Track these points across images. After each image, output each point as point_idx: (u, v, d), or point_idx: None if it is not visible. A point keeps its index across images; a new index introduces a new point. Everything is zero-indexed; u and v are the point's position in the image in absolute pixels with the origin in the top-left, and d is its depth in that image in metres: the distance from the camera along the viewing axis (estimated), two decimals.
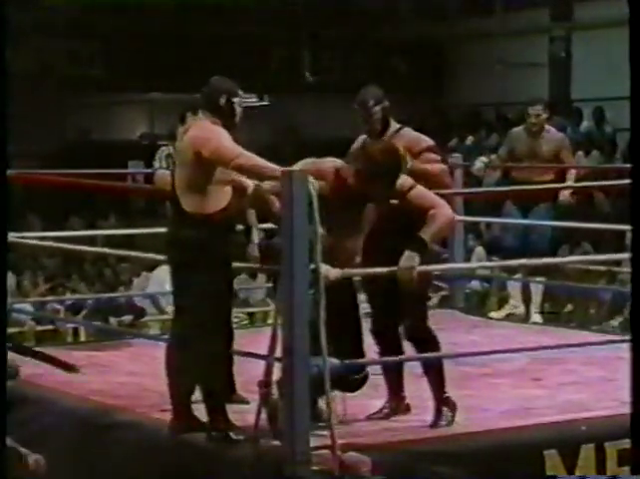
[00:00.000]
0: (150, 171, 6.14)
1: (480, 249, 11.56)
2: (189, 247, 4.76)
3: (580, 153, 14.95)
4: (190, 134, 4.79)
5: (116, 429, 5.16)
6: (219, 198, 4.80)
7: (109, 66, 17.11)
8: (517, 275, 8.35)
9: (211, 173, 4.75)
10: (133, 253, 7.97)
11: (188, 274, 4.77)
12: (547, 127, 8.04)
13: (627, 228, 9.28)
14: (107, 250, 9.73)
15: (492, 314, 8.31)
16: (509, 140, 8.11)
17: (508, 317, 8.15)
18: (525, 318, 8.18)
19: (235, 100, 4.88)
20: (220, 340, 4.83)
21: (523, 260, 7.32)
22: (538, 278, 8.26)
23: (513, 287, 8.37)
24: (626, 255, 8.50)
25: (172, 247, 4.87)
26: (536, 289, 8.25)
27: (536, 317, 8.22)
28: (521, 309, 8.27)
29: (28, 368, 5.63)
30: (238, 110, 4.90)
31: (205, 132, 4.75)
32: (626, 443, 4.78)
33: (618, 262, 9.42)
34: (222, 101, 4.83)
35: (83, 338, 10.78)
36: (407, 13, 19.08)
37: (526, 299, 8.31)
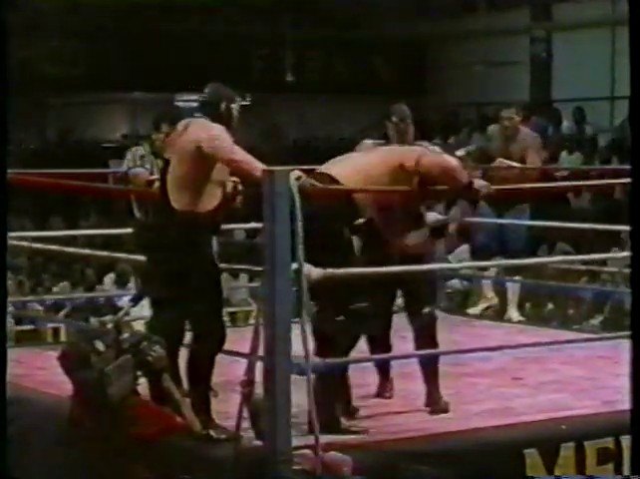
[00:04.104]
0: (123, 170, 6.14)
1: (463, 248, 11.56)
2: (179, 245, 4.76)
3: (564, 153, 14.99)
4: (192, 130, 4.82)
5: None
6: (211, 198, 4.80)
7: (91, 65, 17.06)
8: (492, 274, 8.39)
9: (209, 170, 4.76)
10: (115, 255, 7.94)
11: (177, 272, 4.76)
12: (522, 128, 8.10)
13: (604, 227, 9.37)
14: (88, 252, 9.69)
15: (469, 311, 8.34)
16: (485, 138, 8.22)
17: (485, 311, 8.18)
18: (502, 314, 8.22)
19: (233, 105, 4.93)
20: (214, 339, 4.83)
21: (518, 261, 7.39)
22: (515, 277, 8.31)
23: (487, 286, 8.41)
24: (608, 256, 8.59)
25: (160, 245, 4.85)
26: (513, 289, 8.30)
27: (514, 314, 8.25)
28: (496, 301, 8.31)
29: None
30: (235, 115, 4.95)
31: (207, 127, 4.80)
32: (605, 442, 4.82)
33: (600, 262, 9.45)
34: (223, 106, 4.88)
35: (63, 338, 10.75)
36: (389, 13, 19.08)
37: (502, 297, 8.35)
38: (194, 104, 5.02)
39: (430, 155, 5.06)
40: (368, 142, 5.54)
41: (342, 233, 4.84)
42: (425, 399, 5.30)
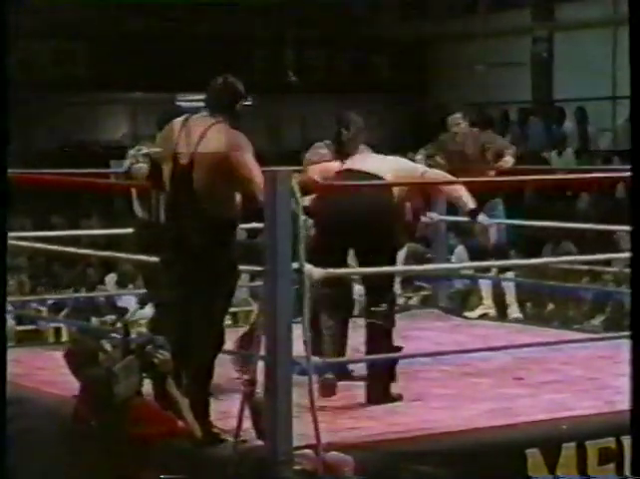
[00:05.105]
0: (124, 170, 6.12)
1: (460, 249, 11.55)
2: (212, 248, 4.64)
3: (553, 154, 15.00)
4: (214, 138, 4.61)
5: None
6: (236, 199, 4.73)
7: (91, 65, 17.06)
8: (490, 274, 8.39)
9: (233, 178, 4.62)
10: (118, 255, 7.93)
11: (204, 275, 4.66)
12: (472, 131, 8.12)
13: (599, 227, 9.37)
14: (90, 252, 9.68)
15: (467, 314, 8.33)
16: (438, 144, 8.21)
17: (482, 317, 8.17)
18: (500, 318, 8.20)
19: (244, 102, 4.76)
20: (219, 341, 4.81)
21: (516, 261, 7.40)
22: (508, 275, 8.30)
23: (485, 286, 8.41)
24: (609, 256, 8.59)
25: (187, 248, 4.69)
26: (508, 287, 8.28)
27: (515, 313, 8.24)
28: (493, 310, 8.31)
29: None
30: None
31: (234, 141, 4.60)
32: (607, 442, 4.82)
33: (603, 262, 9.44)
34: (238, 106, 4.71)
35: (65, 338, 10.75)
36: (390, 13, 19.09)
37: (499, 298, 8.35)
38: (206, 99, 4.69)
39: (430, 171, 5.79)
40: (320, 144, 6.00)
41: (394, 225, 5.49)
42: None
